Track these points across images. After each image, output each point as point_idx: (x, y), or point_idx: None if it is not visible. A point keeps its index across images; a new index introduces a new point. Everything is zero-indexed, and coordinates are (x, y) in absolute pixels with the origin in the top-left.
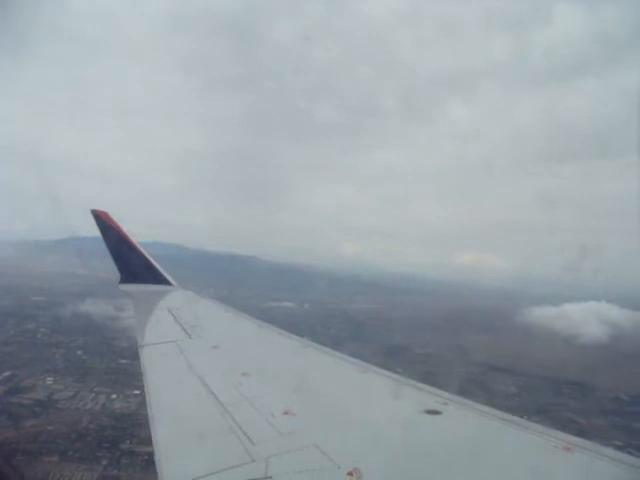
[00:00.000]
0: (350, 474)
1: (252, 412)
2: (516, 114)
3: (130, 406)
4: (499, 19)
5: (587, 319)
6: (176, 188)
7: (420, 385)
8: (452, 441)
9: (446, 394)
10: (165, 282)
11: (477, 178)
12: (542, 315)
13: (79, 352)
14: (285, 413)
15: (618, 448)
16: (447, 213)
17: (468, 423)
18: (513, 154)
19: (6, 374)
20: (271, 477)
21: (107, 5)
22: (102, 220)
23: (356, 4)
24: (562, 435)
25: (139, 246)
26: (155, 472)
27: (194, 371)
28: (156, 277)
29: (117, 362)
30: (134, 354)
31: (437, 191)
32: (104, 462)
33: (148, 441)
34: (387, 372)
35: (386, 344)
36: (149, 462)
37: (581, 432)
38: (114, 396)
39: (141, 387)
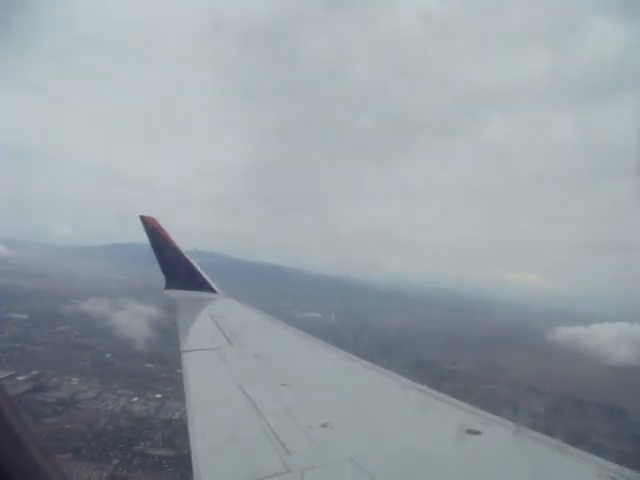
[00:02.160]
0: None
1: (290, 423)
2: (557, 130)
3: (149, 409)
4: (535, 32)
5: (616, 340)
6: (217, 198)
7: (460, 403)
8: (493, 462)
9: (486, 414)
10: (209, 289)
11: (519, 195)
12: (571, 334)
13: (108, 355)
14: (323, 425)
15: None
16: (491, 230)
17: (509, 444)
18: (556, 170)
19: (34, 373)
20: None
21: (143, 13)
22: (150, 226)
23: (389, 18)
24: (607, 464)
25: (185, 253)
26: (164, 475)
27: (234, 379)
28: (201, 284)
29: (144, 366)
30: (161, 359)
31: (479, 208)
32: (115, 462)
33: (162, 444)
34: (427, 388)
35: (417, 359)
36: (159, 465)
37: (609, 457)
38: (135, 399)
39: (163, 391)
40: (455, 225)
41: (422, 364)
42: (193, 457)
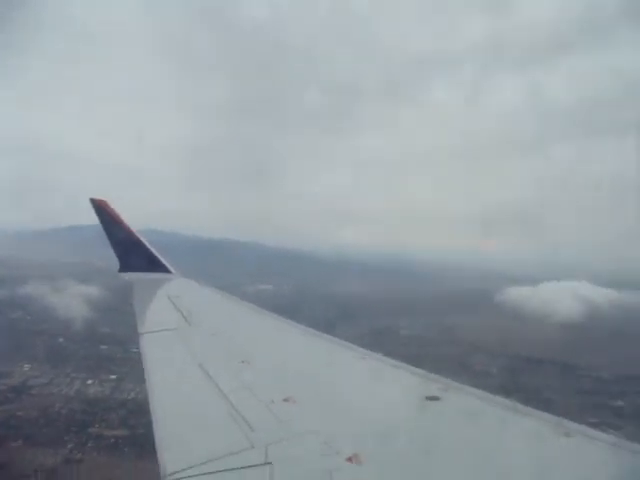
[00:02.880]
0: (349, 460)
1: (252, 399)
2: (501, 95)
3: (104, 391)
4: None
5: (563, 298)
6: (168, 175)
7: (417, 370)
8: (452, 427)
9: (445, 380)
10: (164, 270)
11: (467, 160)
12: (520, 295)
13: (60, 339)
14: (285, 400)
15: (592, 425)
16: (441, 195)
17: (468, 409)
18: (500, 135)
19: None
20: (271, 463)
21: None
22: (101, 209)
23: None
24: (561, 420)
25: (138, 234)
26: (119, 455)
27: (194, 358)
28: (155, 265)
29: (98, 348)
30: (116, 340)
31: (429, 173)
32: (70, 446)
33: (117, 425)
34: (385, 358)
35: (373, 326)
36: (115, 445)
37: (557, 411)
38: (90, 381)
39: (117, 372)
40: (406, 193)
41: (378, 331)
42: (156, 438)
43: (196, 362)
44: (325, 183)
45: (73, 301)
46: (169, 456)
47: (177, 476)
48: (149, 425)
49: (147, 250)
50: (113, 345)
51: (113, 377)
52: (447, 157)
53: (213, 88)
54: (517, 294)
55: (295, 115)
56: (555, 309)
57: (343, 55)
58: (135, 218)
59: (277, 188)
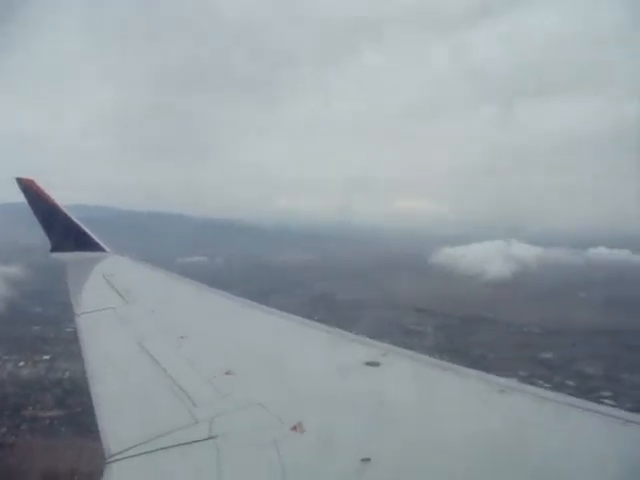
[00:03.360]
0: (294, 429)
1: (193, 374)
2: (431, 59)
3: (38, 372)
4: None
5: (493, 257)
6: (96, 149)
7: (358, 338)
8: (392, 391)
9: (384, 345)
10: (98, 248)
11: (401, 124)
12: (452, 256)
13: None
14: (226, 373)
15: (522, 378)
16: (377, 160)
17: (407, 373)
18: (431, 99)
19: None
20: (215, 437)
21: None
22: (28, 188)
23: None
24: (496, 379)
25: (68, 213)
26: (55, 436)
27: (132, 336)
28: (88, 244)
29: (29, 329)
30: (48, 320)
31: (362, 138)
32: (2, 430)
33: (53, 405)
34: (325, 326)
35: (309, 294)
36: (50, 426)
37: (490, 367)
38: (22, 363)
39: (51, 352)
40: (341, 159)
41: (314, 298)
42: (98, 419)
43: (135, 340)
44: (261, 152)
45: (1, 283)
46: (112, 436)
47: (122, 456)
48: (86, 404)
49: (79, 229)
50: (45, 325)
51: (46, 357)
52: (379, 122)
53: (142, 57)
54: (449, 255)
55: (226, 84)
56: (486, 268)
57: (274, 21)
58: (62, 194)
59: (212, 159)
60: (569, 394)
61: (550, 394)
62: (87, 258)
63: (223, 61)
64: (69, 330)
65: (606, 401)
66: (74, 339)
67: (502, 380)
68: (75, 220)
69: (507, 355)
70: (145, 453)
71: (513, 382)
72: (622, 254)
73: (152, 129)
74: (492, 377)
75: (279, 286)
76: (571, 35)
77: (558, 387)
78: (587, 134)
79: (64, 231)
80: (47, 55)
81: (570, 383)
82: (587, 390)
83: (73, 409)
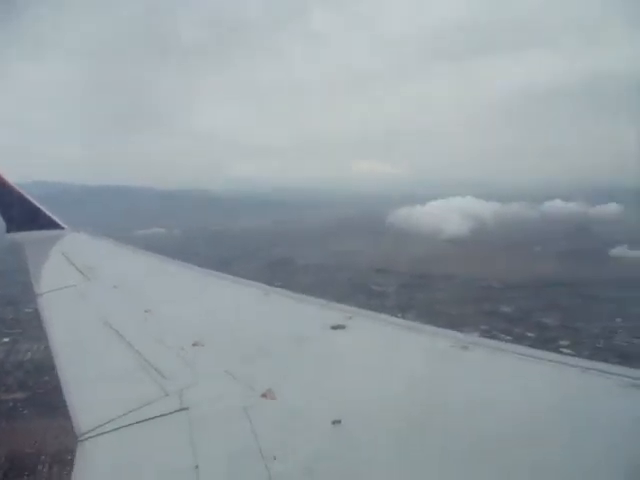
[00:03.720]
0: (264, 395)
1: (160, 347)
2: (381, 19)
3: None
4: None
5: (450, 214)
6: (48, 123)
7: (323, 302)
8: (359, 353)
9: (349, 308)
10: (56, 226)
11: (353, 86)
12: (409, 215)
13: None
14: (194, 344)
15: (484, 332)
16: (331, 124)
17: (373, 334)
18: (385, 58)
19: None
20: (187, 408)
21: None
22: None
23: None
24: (460, 335)
25: (22, 190)
26: (18, 418)
27: (96, 313)
28: (45, 222)
29: None
30: (5, 301)
31: (319, 103)
32: None
33: (15, 388)
34: (289, 292)
35: (269, 260)
36: (14, 409)
37: (452, 323)
38: None
39: (10, 334)
40: (295, 123)
41: (275, 264)
42: (67, 398)
43: (99, 317)
44: (215, 119)
45: None
46: (83, 415)
47: (93, 433)
48: (48, 385)
49: (34, 207)
50: (4, 307)
51: (6, 340)
52: (331, 85)
53: (86, 26)
54: (407, 215)
55: (178, 52)
56: (444, 226)
57: None
58: (16, 171)
59: (166, 129)
60: (529, 345)
61: (511, 347)
62: (45, 237)
63: (171, 27)
64: (28, 311)
65: (565, 350)
66: (34, 320)
67: (466, 336)
68: (29, 198)
69: (468, 310)
70: (117, 429)
71: (476, 337)
72: (578, 206)
73: (104, 101)
74: (456, 334)
75: (238, 254)
76: None
77: (518, 339)
78: (540, 90)
79: (18, 210)
80: None
81: (530, 334)
82: (546, 340)
83: (35, 391)
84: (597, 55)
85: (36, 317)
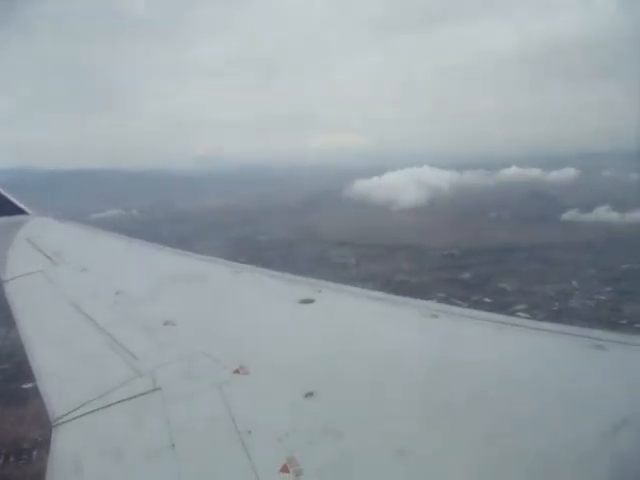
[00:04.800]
0: (236, 371)
1: (131, 329)
2: None
3: None
4: None
5: (407, 185)
6: (6, 108)
7: (290, 276)
8: (328, 326)
9: (317, 281)
10: (19, 211)
11: (313, 59)
12: (366, 187)
13: None
14: (165, 324)
15: (441, 299)
16: (293, 98)
17: (342, 307)
18: (340, 28)
19: None
20: (160, 388)
21: None
22: None
23: None
24: (428, 304)
25: None
26: None
27: (65, 298)
28: (8, 208)
29: None
30: None
31: (275, 76)
32: None
33: None
34: (261, 269)
35: (231, 237)
36: None
37: (411, 290)
38: None
39: None
40: (256, 99)
41: (236, 241)
42: (39, 384)
43: (68, 301)
44: (172, 97)
45: None
46: (56, 399)
47: (68, 417)
48: (7, 372)
49: None
50: None
51: None
52: (290, 58)
53: (39, 8)
54: (363, 187)
55: (127, 29)
56: (401, 196)
57: None
58: None
59: (124, 109)
60: (487, 311)
61: (478, 313)
62: (9, 223)
63: (125, 5)
64: None
65: (522, 314)
66: None
67: (434, 304)
68: None
69: (427, 279)
70: (91, 412)
71: (445, 306)
72: (534, 173)
73: (59, 83)
74: (424, 302)
75: (200, 232)
76: None
77: (476, 305)
78: (497, 56)
79: None
80: None
81: (487, 300)
82: (503, 305)
83: None
84: (550, 21)
85: (3, 304)
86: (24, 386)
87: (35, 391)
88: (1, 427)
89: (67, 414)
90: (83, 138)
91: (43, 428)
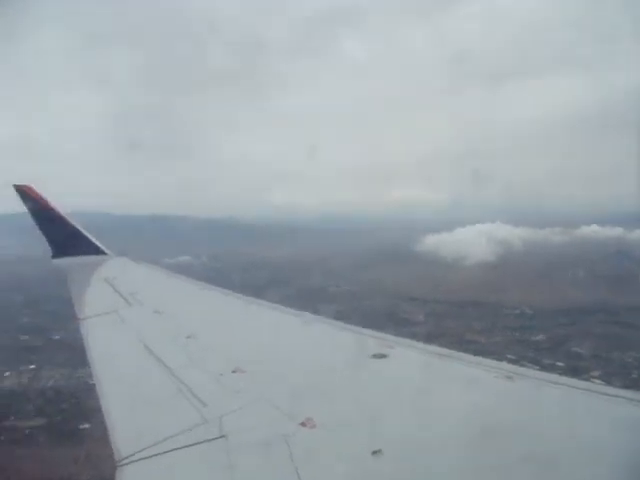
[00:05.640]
0: (303, 424)
1: (201, 374)
2: (410, 44)
3: (22, 381)
4: None
5: (479, 241)
6: (85, 153)
7: (363, 330)
8: (400, 382)
9: (390, 337)
10: (99, 252)
11: (389, 112)
12: (438, 242)
13: None
14: (234, 371)
15: (511, 361)
16: (368, 151)
17: (414, 363)
18: (416, 83)
19: None
20: (226, 436)
21: None
22: (27, 195)
23: None
24: (503, 365)
25: (68, 217)
26: (32, 445)
27: (138, 339)
28: (89, 248)
29: (18, 339)
30: (38, 329)
31: (353, 129)
32: None
33: (33, 415)
34: (329, 320)
35: (301, 287)
36: (30, 436)
37: (481, 350)
38: (7, 373)
39: (37, 361)
40: (333, 151)
41: (307, 292)
42: (107, 423)
43: (141, 342)
44: (249, 147)
45: None
46: (122, 439)
47: (132, 459)
48: (67, 411)
49: (79, 233)
50: (33, 334)
51: (32, 367)
52: (364, 111)
53: (118, 59)
54: (434, 242)
55: (208, 81)
56: (473, 252)
57: (248, 14)
58: (58, 202)
59: (201, 157)
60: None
61: (556, 378)
62: (89, 262)
63: (201, 58)
64: (56, 338)
65: (595, 381)
66: (61, 347)
67: (508, 366)
68: (75, 224)
69: (497, 339)
70: (156, 455)
71: (518, 368)
72: (615, 232)
73: (141, 131)
74: (498, 363)
75: (269, 281)
76: (550, 16)
77: (548, 369)
78: (575, 115)
79: (65, 236)
80: (33, 57)
81: (560, 364)
82: (576, 370)
83: (54, 418)
84: (632, 74)
85: (62, 345)
86: (80, 426)
87: (90, 432)
88: (53, 466)
89: (132, 455)
90: (160, 184)
91: (95, 469)
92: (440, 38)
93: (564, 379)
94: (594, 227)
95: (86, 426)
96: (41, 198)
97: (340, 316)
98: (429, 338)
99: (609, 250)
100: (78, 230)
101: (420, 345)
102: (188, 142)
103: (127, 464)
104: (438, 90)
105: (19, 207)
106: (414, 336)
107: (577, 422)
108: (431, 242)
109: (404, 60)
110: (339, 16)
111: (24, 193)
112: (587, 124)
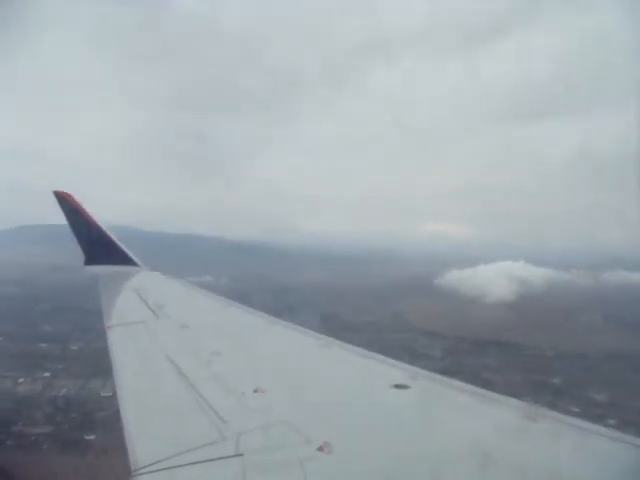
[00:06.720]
0: (320, 449)
1: (222, 391)
2: (441, 79)
3: (35, 388)
4: None
5: (501, 279)
6: (120, 169)
7: (386, 359)
8: (420, 415)
9: (413, 368)
10: (131, 263)
11: (416, 143)
12: (459, 278)
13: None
14: (255, 391)
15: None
16: (398, 181)
17: (436, 397)
18: (447, 117)
19: None
20: (242, 454)
21: None
22: (65, 201)
23: None
24: (525, 405)
25: (103, 227)
26: (36, 452)
27: (162, 351)
28: (122, 258)
29: (36, 346)
30: (56, 337)
31: (385, 159)
32: None
33: (42, 422)
34: (351, 346)
35: (319, 314)
36: (35, 442)
37: (497, 390)
38: (21, 380)
39: (52, 369)
40: (364, 178)
41: (323, 318)
42: (125, 431)
43: (165, 355)
44: (282, 173)
45: (21, 299)
46: (140, 449)
47: (148, 469)
48: (74, 421)
49: (113, 242)
50: (52, 343)
51: (47, 375)
52: (393, 141)
53: (152, 77)
54: (456, 277)
55: (241, 105)
56: (494, 290)
57: (281, 42)
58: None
59: (234, 181)
60: None
61: (579, 422)
62: (120, 272)
63: (236, 82)
64: (74, 348)
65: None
66: (78, 357)
67: (531, 406)
68: (109, 234)
69: (515, 379)
70: (171, 468)
71: (542, 409)
72: None
73: (174, 150)
74: (521, 403)
75: (287, 306)
76: (582, 52)
77: (562, 414)
78: (608, 151)
79: (98, 244)
80: (63, 73)
81: (575, 409)
82: (591, 417)
83: (61, 426)
84: None
85: (80, 355)
86: (86, 437)
87: (95, 443)
88: (53, 473)
89: (148, 466)
90: (191, 204)
91: None
92: (470, 73)
93: (589, 425)
94: (621, 272)
95: (92, 437)
96: (78, 205)
97: (358, 345)
98: (445, 374)
99: (634, 296)
100: (112, 240)
101: (443, 379)
102: (220, 165)
103: (142, 474)
104: (469, 125)
105: (51, 217)
106: (431, 371)
107: (599, 467)
108: (453, 277)
109: (432, 92)
110: (371, 47)
111: (63, 199)
112: (620, 161)
